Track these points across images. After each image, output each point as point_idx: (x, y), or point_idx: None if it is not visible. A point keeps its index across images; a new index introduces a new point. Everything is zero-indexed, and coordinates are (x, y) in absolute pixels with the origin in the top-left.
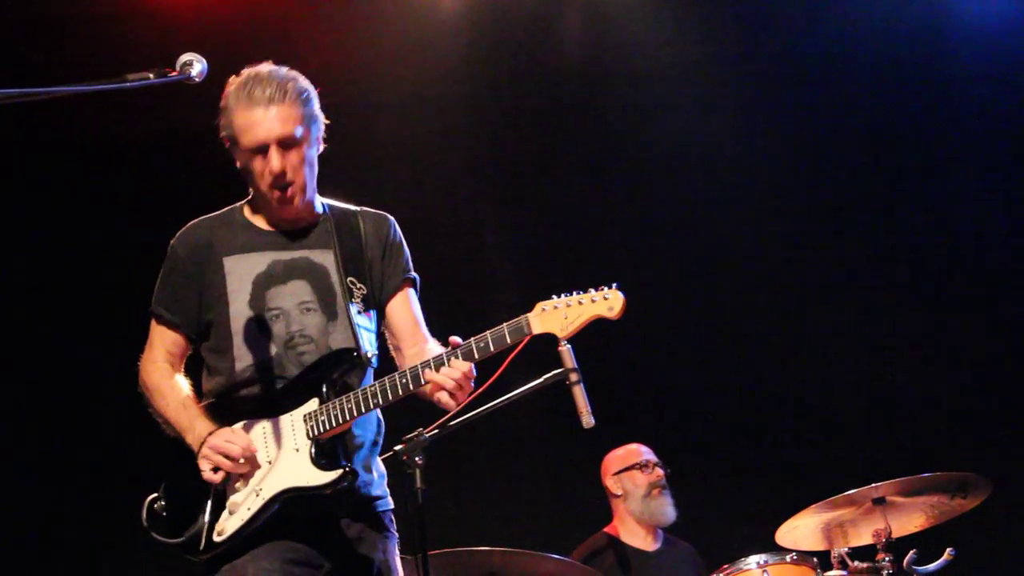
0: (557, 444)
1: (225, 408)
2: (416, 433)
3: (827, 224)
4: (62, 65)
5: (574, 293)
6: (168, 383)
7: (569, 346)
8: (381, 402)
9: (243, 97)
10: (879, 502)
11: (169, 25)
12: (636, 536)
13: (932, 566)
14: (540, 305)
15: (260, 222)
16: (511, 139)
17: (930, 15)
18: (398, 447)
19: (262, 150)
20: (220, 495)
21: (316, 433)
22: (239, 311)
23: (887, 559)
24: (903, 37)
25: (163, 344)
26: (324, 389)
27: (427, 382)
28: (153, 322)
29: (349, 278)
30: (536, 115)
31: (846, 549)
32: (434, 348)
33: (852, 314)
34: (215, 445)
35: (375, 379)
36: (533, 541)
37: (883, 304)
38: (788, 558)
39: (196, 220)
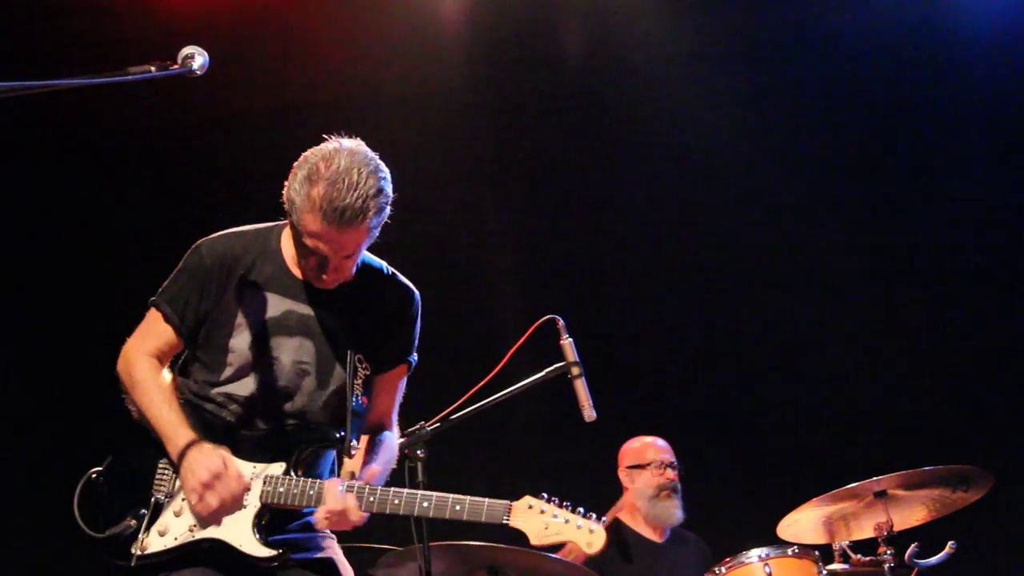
0: (559, 437)
1: (191, 418)
2: (418, 427)
3: (828, 219)
4: (64, 58)
5: (565, 508)
6: (155, 380)
7: (571, 340)
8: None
9: (319, 205)
10: (881, 495)
11: (171, 18)
12: (644, 528)
13: (934, 559)
14: (527, 501)
15: (292, 264)
16: (512, 134)
17: (931, 11)
18: (400, 440)
19: (317, 255)
20: (157, 506)
21: (269, 500)
22: (239, 346)
23: (889, 552)
24: (905, 33)
25: (157, 340)
26: (294, 459)
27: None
28: (153, 314)
29: (357, 356)
30: (537, 110)
31: (848, 542)
32: (392, 442)
33: (854, 308)
34: (211, 473)
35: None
36: None
37: (885, 298)
38: (790, 551)
39: (231, 231)
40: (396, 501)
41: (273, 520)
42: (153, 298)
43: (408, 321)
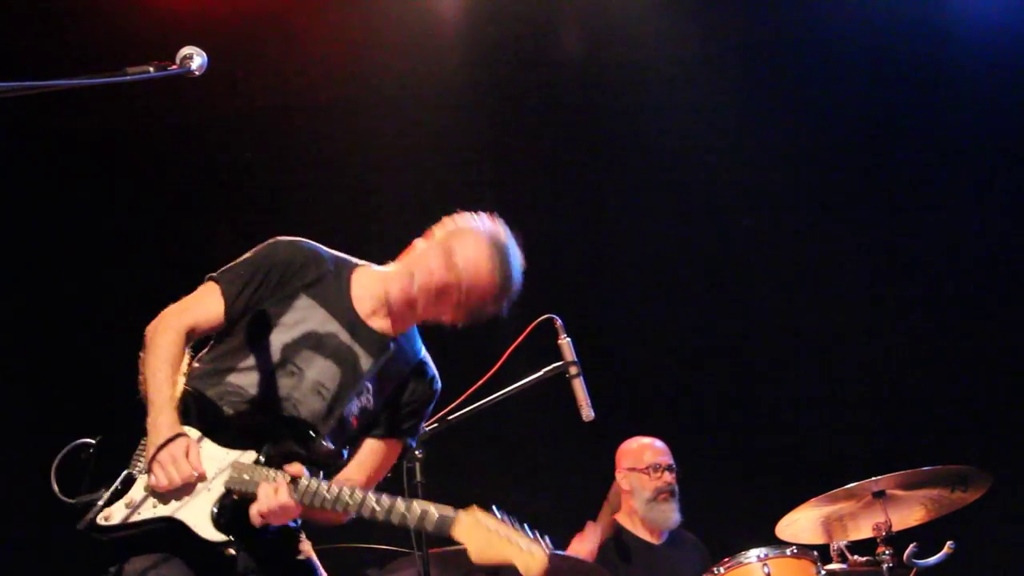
0: (557, 437)
1: (186, 396)
2: None
3: (826, 220)
4: (62, 58)
5: (512, 525)
6: (171, 352)
7: (569, 339)
8: (304, 504)
9: (500, 276)
10: (879, 495)
11: (169, 18)
12: (641, 530)
13: (932, 559)
14: (476, 515)
15: (357, 296)
16: (511, 136)
17: (931, 12)
18: None
19: (456, 279)
20: (129, 479)
21: (232, 486)
22: (274, 343)
23: (887, 552)
24: (904, 34)
25: (202, 313)
26: (266, 450)
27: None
28: (209, 287)
29: (367, 395)
30: (536, 110)
31: (846, 542)
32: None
33: (853, 308)
34: (175, 455)
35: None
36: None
37: (883, 298)
38: (788, 551)
39: (311, 242)
40: (348, 499)
41: (238, 510)
42: (213, 274)
43: (423, 405)
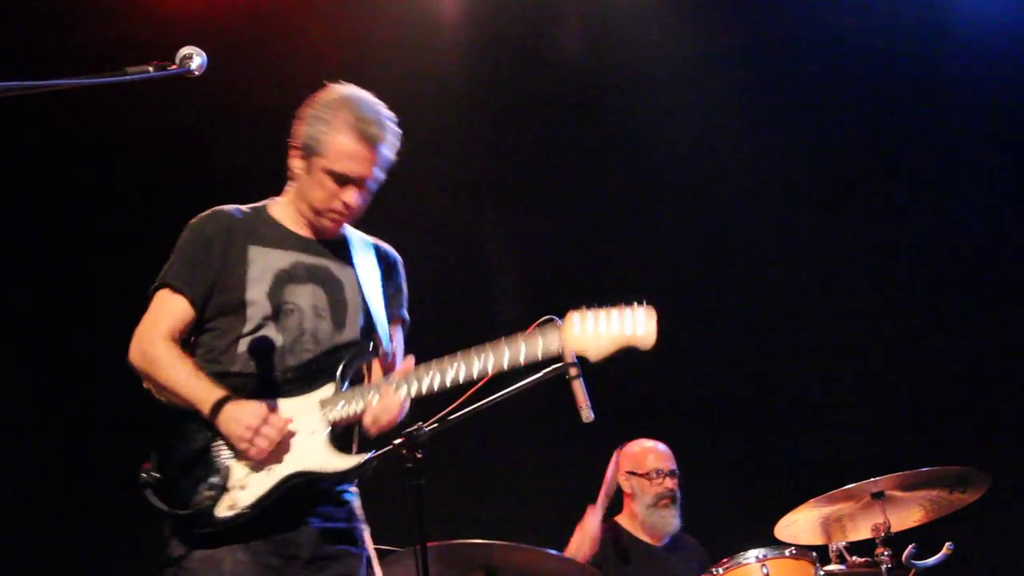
0: (557, 438)
1: (221, 383)
2: (416, 427)
3: (826, 221)
4: (62, 58)
5: (608, 311)
6: (175, 355)
7: None
8: (414, 396)
9: (351, 125)
10: (878, 496)
11: (169, 19)
12: (641, 532)
13: (931, 560)
14: (574, 323)
15: (289, 224)
16: (511, 136)
17: (930, 13)
18: (397, 440)
19: (344, 180)
20: (224, 468)
21: (332, 419)
22: (257, 297)
23: (886, 553)
24: (904, 33)
25: (170, 319)
26: (340, 376)
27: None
28: (161, 296)
29: (367, 290)
30: (536, 111)
31: (844, 543)
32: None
33: (852, 308)
34: (257, 415)
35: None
36: (532, 536)
37: (882, 299)
38: (787, 552)
39: (222, 206)
40: (452, 371)
41: (347, 437)
42: (155, 283)
43: (398, 278)
